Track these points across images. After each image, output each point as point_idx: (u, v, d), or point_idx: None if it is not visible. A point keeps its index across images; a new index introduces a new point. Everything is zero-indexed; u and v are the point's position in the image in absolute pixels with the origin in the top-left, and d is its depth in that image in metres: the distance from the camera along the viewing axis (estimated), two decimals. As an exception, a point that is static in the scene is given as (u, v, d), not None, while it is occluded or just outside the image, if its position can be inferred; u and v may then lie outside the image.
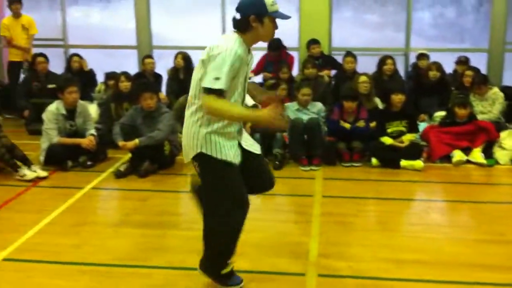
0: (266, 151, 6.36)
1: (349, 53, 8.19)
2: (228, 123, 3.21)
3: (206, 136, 3.19)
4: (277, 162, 6.18)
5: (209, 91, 3.05)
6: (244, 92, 3.30)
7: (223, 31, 9.32)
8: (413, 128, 6.43)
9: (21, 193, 5.49)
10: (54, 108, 6.23)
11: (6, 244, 4.26)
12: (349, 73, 7.92)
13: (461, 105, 6.56)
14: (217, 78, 3.02)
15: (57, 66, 8.68)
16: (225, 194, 3.26)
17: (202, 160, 3.23)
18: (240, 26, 3.18)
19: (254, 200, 5.49)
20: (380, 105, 6.92)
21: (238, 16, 3.19)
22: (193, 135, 3.22)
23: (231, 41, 3.12)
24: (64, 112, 6.25)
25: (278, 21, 3.25)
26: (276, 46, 8.27)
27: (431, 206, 5.17)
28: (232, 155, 3.24)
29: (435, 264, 3.94)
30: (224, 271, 3.48)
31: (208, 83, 3.04)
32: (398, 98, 6.34)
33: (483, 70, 8.36)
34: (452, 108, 6.64)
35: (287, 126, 2.88)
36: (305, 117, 6.49)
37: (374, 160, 6.27)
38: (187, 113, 3.28)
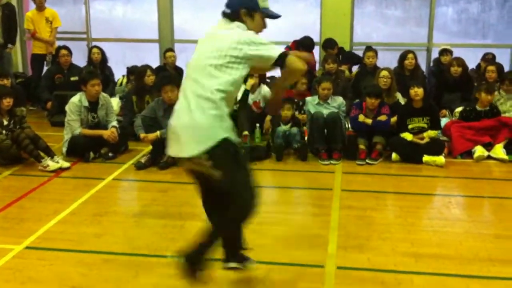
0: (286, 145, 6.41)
1: (369, 48, 8.16)
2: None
3: (218, 121, 3.02)
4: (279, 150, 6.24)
5: (284, 55, 3.03)
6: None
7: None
8: (435, 125, 6.37)
9: (44, 183, 5.58)
10: (77, 100, 6.31)
11: (29, 233, 4.33)
12: (369, 68, 7.89)
13: (487, 90, 6.50)
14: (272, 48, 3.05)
15: (80, 59, 8.77)
16: (249, 176, 3.14)
17: (220, 147, 3.00)
18: (230, 19, 3.14)
19: (274, 193, 5.58)
20: (402, 100, 6.88)
21: (228, 10, 3.15)
22: (207, 126, 2.99)
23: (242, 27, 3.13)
24: (86, 104, 6.33)
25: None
26: (311, 46, 8.39)
27: (452, 201, 5.13)
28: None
29: (455, 258, 3.92)
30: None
31: (274, 52, 3.04)
32: (414, 92, 6.27)
33: (507, 67, 8.26)
34: (477, 95, 6.58)
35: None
36: (325, 111, 6.48)
37: (394, 155, 6.24)
38: (197, 102, 3.01)
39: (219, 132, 3.01)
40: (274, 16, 3.24)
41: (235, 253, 3.46)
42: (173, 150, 3.14)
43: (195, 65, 3.12)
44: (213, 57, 3.04)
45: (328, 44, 8.57)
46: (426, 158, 6.11)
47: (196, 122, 2.99)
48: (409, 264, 3.84)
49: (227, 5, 3.17)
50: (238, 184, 3.08)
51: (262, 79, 7.82)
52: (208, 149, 2.97)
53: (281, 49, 3.08)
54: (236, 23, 3.13)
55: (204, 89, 3.01)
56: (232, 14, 3.14)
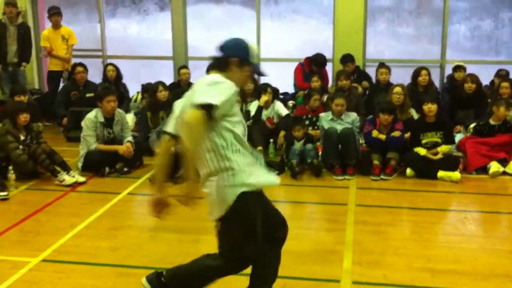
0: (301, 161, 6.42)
1: (382, 65, 8.18)
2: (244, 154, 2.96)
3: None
4: (295, 168, 6.22)
5: (200, 106, 2.74)
6: (245, 135, 3.03)
7: (258, 43, 9.44)
8: (448, 140, 6.36)
9: (60, 198, 5.63)
10: (93, 116, 6.38)
11: (45, 246, 4.38)
12: (383, 84, 7.90)
13: (506, 104, 6.50)
14: (212, 97, 2.77)
15: (95, 76, 8.87)
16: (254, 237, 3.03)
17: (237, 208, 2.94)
18: (219, 64, 3.03)
19: (288, 208, 5.58)
20: (416, 116, 6.88)
21: (219, 54, 3.06)
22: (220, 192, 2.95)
23: (219, 77, 2.95)
24: (102, 120, 6.40)
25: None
26: (323, 63, 8.46)
27: (467, 216, 5.10)
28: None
29: (471, 274, 3.90)
30: None
31: (202, 98, 2.76)
32: (427, 108, 6.28)
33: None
34: (493, 108, 6.58)
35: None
36: (339, 127, 6.49)
37: (409, 171, 6.23)
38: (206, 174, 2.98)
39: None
40: (262, 74, 3.18)
41: None
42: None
43: None
44: None
45: (346, 59, 8.57)
46: (441, 173, 6.09)
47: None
48: (425, 279, 3.82)
49: (221, 48, 3.07)
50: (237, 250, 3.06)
51: (276, 95, 7.87)
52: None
53: (213, 100, 2.76)
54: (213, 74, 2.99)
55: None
56: (222, 61, 3.03)
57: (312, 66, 8.57)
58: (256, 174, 3.01)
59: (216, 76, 2.96)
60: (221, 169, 2.93)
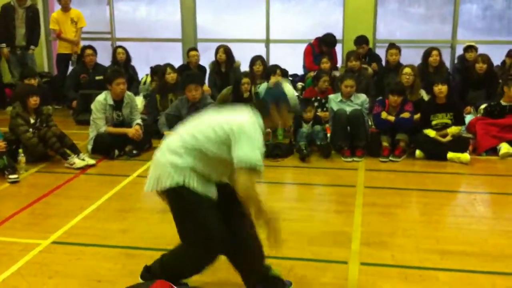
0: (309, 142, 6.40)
1: (392, 45, 8.10)
2: (210, 173, 3.06)
3: (189, 169, 3.02)
4: (304, 151, 6.20)
5: (250, 169, 2.86)
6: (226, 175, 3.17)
7: (267, 26, 9.39)
8: (459, 121, 6.32)
9: (70, 180, 5.66)
10: (102, 98, 6.39)
11: (55, 228, 4.41)
12: (392, 65, 7.84)
13: None
14: (256, 154, 2.87)
15: (104, 58, 8.87)
16: (204, 231, 3.07)
17: (178, 192, 3.04)
18: (259, 108, 3.13)
19: (297, 190, 5.59)
20: (426, 97, 6.83)
21: (259, 100, 3.28)
22: (171, 165, 3.02)
23: (252, 115, 3.03)
24: (111, 102, 6.41)
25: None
26: (333, 43, 8.37)
27: (477, 198, 5.08)
28: (212, 192, 3.10)
29: (480, 255, 3.89)
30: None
31: (249, 159, 2.85)
32: (438, 89, 6.23)
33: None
34: (504, 89, 6.51)
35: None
36: (348, 108, 6.46)
37: (418, 152, 6.20)
38: (168, 146, 3.10)
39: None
40: (298, 112, 3.32)
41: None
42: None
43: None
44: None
45: (361, 41, 8.48)
46: (450, 155, 6.06)
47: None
48: (434, 261, 3.82)
49: (263, 96, 3.28)
50: (192, 236, 3.12)
51: (285, 77, 7.84)
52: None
53: (260, 160, 2.90)
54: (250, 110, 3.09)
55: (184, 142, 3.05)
56: (261, 104, 3.16)
57: (322, 46, 8.51)
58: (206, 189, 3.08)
59: (253, 122, 2.99)
60: (187, 163, 3.01)
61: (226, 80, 8.15)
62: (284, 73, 7.88)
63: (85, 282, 3.60)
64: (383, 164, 6.08)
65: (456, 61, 8.86)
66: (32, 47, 8.81)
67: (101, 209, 4.87)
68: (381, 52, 8.74)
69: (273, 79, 7.12)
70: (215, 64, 8.44)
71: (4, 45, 8.63)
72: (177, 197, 3.07)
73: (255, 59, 7.81)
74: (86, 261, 3.89)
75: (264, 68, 7.73)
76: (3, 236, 4.31)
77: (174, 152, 3.04)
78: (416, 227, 4.41)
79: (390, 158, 6.16)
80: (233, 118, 3.01)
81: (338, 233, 4.31)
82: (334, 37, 8.55)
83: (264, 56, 8.67)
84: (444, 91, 6.22)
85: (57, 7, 9.33)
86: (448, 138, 6.17)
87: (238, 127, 2.94)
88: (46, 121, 6.27)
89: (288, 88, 3.20)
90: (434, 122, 6.27)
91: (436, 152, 6.13)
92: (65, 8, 8.98)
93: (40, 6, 9.68)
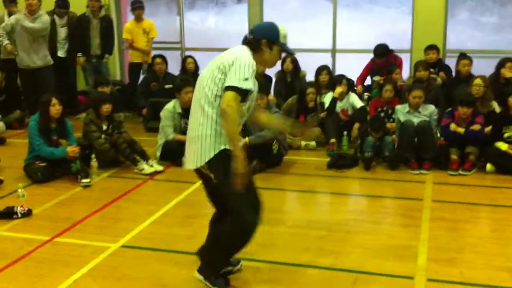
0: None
1: (463, 55, 7.88)
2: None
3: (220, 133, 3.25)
4: (369, 154, 6.20)
5: (236, 89, 3.12)
6: (249, 112, 3.41)
7: (334, 35, 9.35)
8: (533, 134, 6.10)
9: (139, 186, 5.83)
10: (171, 106, 6.55)
11: (124, 232, 4.55)
12: (463, 76, 7.63)
13: None
14: (246, 79, 3.14)
15: (174, 68, 9.09)
16: (253, 187, 3.42)
17: (222, 158, 3.26)
18: (251, 45, 3.35)
19: (362, 202, 5.53)
20: (498, 109, 6.62)
21: (251, 36, 3.38)
22: (209, 136, 3.26)
23: (247, 54, 3.29)
24: (180, 110, 6.55)
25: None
26: (383, 53, 8.22)
27: (551, 215, 4.88)
28: None
29: (554, 275, 3.73)
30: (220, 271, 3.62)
31: (237, 81, 3.13)
32: (512, 100, 6.03)
33: None
34: None
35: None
36: (416, 119, 6.35)
37: (489, 166, 6.01)
38: (197, 118, 3.32)
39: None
40: (290, 52, 3.48)
41: (214, 271, 3.57)
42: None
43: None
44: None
45: (431, 47, 8.28)
46: (524, 169, 5.85)
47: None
48: (504, 278, 3.70)
49: (252, 32, 3.41)
50: (240, 200, 3.32)
51: (351, 87, 7.78)
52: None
53: (248, 84, 3.17)
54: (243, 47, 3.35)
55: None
56: (252, 42, 3.35)
57: (376, 59, 8.35)
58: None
59: (235, 53, 3.27)
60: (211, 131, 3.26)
61: (292, 90, 8.18)
62: (350, 83, 7.82)
63: (152, 286, 3.71)
64: (452, 178, 5.92)
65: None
66: (106, 55, 9.14)
67: (168, 215, 4.99)
68: (451, 62, 8.53)
69: (338, 89, 7.09)
70: (281, 74, 8.49)
71: (80, 54, 9.00)
72: (223, 160, 3.25)
73: (321, 69, 7.80)
74: (153, 265, 3.99)
75: (329, 78, 7.70)
76: (75, 238, 4.49)
77: (202, 124, 3.27)
78: (485, 244, 4.28)
79: (460, 171, 5.99)
80: (226, 59, 3.25)
81: (404, 247, 4.23)
82: (383, 47, 8.24)
83: (330, 65, 8.64)
84: (519, 103, 6.03)
85: (130, 18, 9.65)
86: (522, 150, 5.97)
87: (229, 63, 3.20)
88: (118, 128, 6.49)
89: (281, 26, 3.41)
90: (506, 135, 6.06)
91: (508, 166, 5.92)
92: (138, 19, 9.26)
93: (113, 17, 10.04)
